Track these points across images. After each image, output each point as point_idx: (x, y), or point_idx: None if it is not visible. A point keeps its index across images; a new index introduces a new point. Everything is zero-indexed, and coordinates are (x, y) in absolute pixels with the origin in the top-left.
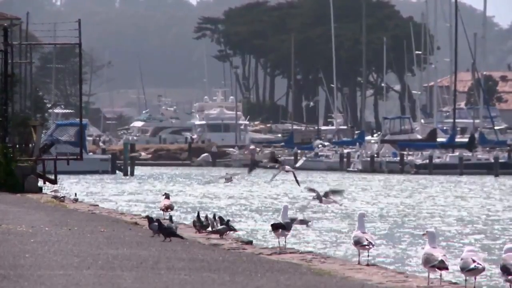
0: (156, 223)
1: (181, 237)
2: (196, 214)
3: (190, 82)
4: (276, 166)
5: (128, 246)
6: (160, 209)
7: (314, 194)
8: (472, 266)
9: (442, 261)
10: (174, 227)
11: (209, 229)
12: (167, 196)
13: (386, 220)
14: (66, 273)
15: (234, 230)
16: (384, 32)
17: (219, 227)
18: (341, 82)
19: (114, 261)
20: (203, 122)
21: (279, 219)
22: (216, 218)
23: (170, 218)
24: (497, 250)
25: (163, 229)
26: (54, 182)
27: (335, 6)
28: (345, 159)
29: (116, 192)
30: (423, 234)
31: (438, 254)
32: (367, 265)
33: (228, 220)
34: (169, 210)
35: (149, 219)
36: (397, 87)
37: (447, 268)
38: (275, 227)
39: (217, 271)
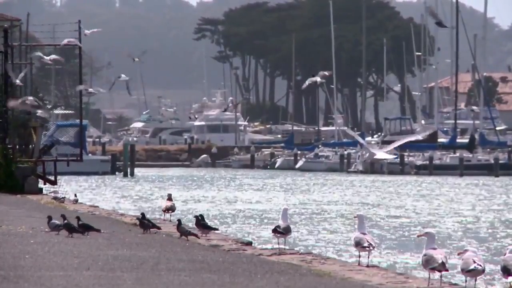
0: (57, 221)
1: (83, 232)
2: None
3: (190, 83)
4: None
5: (128, 247)
6: (162, 211)
7: None
8: (472, 267)
9: (442, 263)
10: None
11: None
12: (169, 198)
13: (386, 220)
14: (66, 274)
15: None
16: (384, 33)
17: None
18: (341, 83)
19: (114, 262)
20: (202, 123)
21: (280, 222)
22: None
23: (179, 222)
24: (497, 251)
25: (67, 226)
26: (54, 183)
27: (335, 7)
28: (345, 160)
29: (116, 193)
30: (419, 235)
31: (439, 255)
32: (367, 266)
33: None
34: (170, 211)
35: (49, 217)
36: (397, 88)
37: (447, 270)
38: (276, 231)
39: (217, 272)
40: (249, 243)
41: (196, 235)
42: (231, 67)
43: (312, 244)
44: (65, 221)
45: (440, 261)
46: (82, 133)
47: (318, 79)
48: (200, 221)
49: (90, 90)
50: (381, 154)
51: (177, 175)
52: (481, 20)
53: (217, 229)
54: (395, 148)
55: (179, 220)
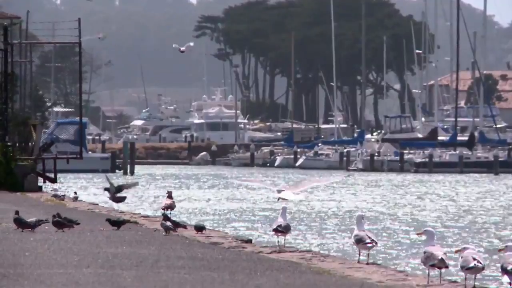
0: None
1: (33, 227)
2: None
3: (190, 81)
4: None
5: (127, 245)
6: (161, 208)
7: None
8: (472, 264)
9: (441, 260)
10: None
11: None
12: (169, 195)
13: (386, 218)
14: (65, 272)
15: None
16: (384, 31)
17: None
18: (341, 81)
19: (113, 259)
20: (202, 120)
21: (279, 220)
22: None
23: (166, 217)
24: (496, 249)
25: (20, 222)
26: (54, 181)
27: (334, 5)
28: (345, 158)
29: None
30: (418, 234)
31: (438, 252)
32: (367, 263)
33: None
34: (169, 209)
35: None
36: (397, 86)
37: (447, 267)
38: (277, 230)
39: (217, 270)
40: (249, 241)
41: (174, 230)
42: (231, 65)
43: (312, 242)
44: (16, 216)
45: (439, 258)
46: (82, 131)
47: None
48: (168, 219)
49: None
50: (287, 194)
51: (172, 173)
52: (480, 18)
53: (185, 226)
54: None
55: (165, 215)
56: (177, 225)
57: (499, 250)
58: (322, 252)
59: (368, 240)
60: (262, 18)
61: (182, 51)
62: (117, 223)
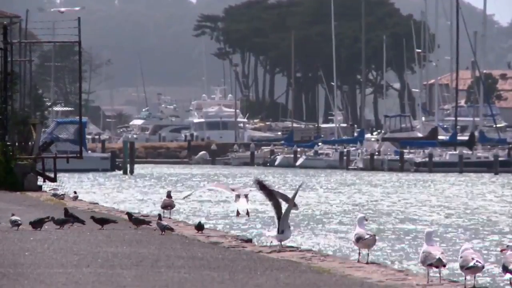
0: None
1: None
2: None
3: (190, 80)
4: None
5: (127, 244)
6: (161, 207)
7: None
8: (472, 264)
9: (439, 259)
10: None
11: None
12: (168, 194)
13: (385, 217)
14: (65, 271)
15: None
16: (384, 30)
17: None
18: (340, 80)
19: (113, 259)
20: (202, 120)
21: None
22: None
23: (129, 214)
24: (497, 248)
25: None
26: (53, 180)
27: (335, 4)
28: (345, 157)
29: (116, 190)
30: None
31: (436, 252)
32: (367, 263)
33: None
34: (169, 208)
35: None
36: (397, 85)
37: (444, 266)
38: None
39: (217, 269)
40: (249, 240)
41: (172, 229)
42: (230, 64)
43: (312, 242)
44: None
45: (437, 258)
46: (81, 130)
47: None
48: (131, 216)
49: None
50: (241, 203)
51: (172, 173)
52: (480, 17)
53: (150, 223)
54: None
55: (159, 215)
56: (140, 222)
57: (501, 250)
58: (322, 252)
59: (367, 236)
60: (262, 17)
61: (62, 12)
62: (101, 221)
